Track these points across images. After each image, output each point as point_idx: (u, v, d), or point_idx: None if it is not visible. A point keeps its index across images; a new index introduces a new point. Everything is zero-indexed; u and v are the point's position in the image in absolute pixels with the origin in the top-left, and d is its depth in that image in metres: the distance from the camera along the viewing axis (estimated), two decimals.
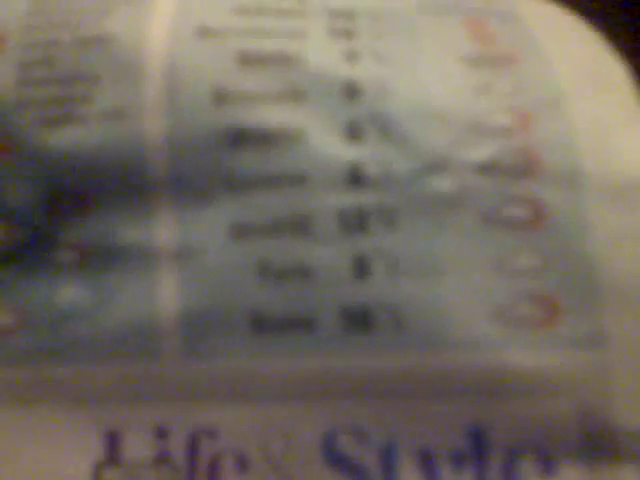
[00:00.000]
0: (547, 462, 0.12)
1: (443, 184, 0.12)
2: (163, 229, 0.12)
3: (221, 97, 0.13)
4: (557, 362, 0.12)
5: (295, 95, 0.13)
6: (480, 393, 0.12)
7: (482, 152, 0.12)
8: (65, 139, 0.13)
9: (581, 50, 0.14)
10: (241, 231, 0.12)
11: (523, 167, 0.12)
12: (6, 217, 0.13)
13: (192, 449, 0.12)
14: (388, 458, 0.12)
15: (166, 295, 0.12)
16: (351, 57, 0.13)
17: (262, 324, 0.12)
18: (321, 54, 0.13)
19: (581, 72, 0.13)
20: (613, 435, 0.12)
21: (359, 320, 0.12)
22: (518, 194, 0.12)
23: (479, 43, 0.14)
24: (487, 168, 0.12)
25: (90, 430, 0.12)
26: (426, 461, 0.12)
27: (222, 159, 0.13)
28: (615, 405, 0.12)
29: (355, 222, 0.12)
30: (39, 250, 0.13)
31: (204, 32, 0.13)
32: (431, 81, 0.13)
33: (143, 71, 0.13)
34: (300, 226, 0.12)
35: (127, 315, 0.12)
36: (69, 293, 0.12)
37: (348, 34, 0.14)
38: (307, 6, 0.14)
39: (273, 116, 0.13)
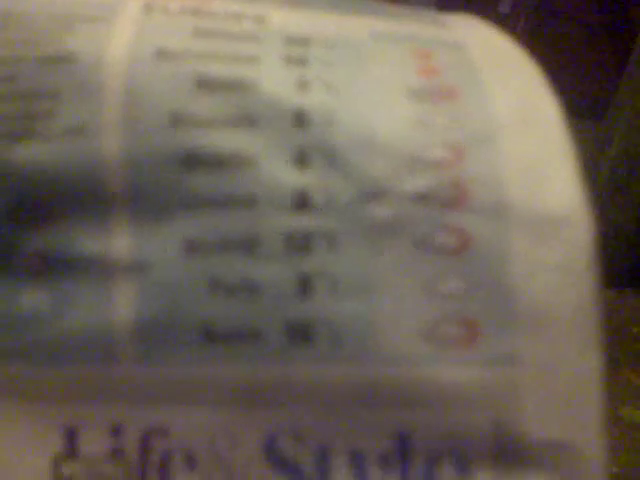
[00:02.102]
0: (464, 466, 0.13)
1: (381, 211, 0.14)
2: (120, 242, 0.14)
3: (177, 120, 0.14)
4: (474, 378, 0.13)
5: (247, 121, 0.14)
6: (405, 403, 0.13)
7: (417, 183, 0.14)
8: (27, 154, 0.14)
9: (519, 85, 0.15)
10: (193, 247, 0.14)
11: (453, 198, 0.14)
12: None
13: (144, 446, 0.13)
14: (323, 459, 0.13)
15: (121, 304, 0.13)
16: (302, 86, 0.15)
17: (212, 335, 0.13)
18: (274, 81, 0.14)
19: (516, 108, 0.15)
20: (522, 444, 0.13)
21: (301, 334, 0.13)
22: (447, 223, 0.14)
23: (424, 76, 0.15)
24: (421, 198, 0.14)
25: (49, 427, 0.13)
26: (357, 461, 0.13)
27: (177, 179, 0.14)
28: (524, 417, 0.13)
29: (300, 244, 0.14)
30: (1, 256, 0.14)
31: (162, 54, 0.14)
32: (375, 113, 0.14)
33: (102, 90, 0.14)
34: (249, 245, 0.14)
35: (85, 321, 0.13)
36: (30, 298, 0.14)
37: (301, 62, 0.15)
38: (265, 30, 0.16)
39: (226, 141, 0.14)
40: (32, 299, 0.13)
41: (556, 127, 0.15)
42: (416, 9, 0.19)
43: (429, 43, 0.16)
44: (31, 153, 0.14)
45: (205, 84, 0.14)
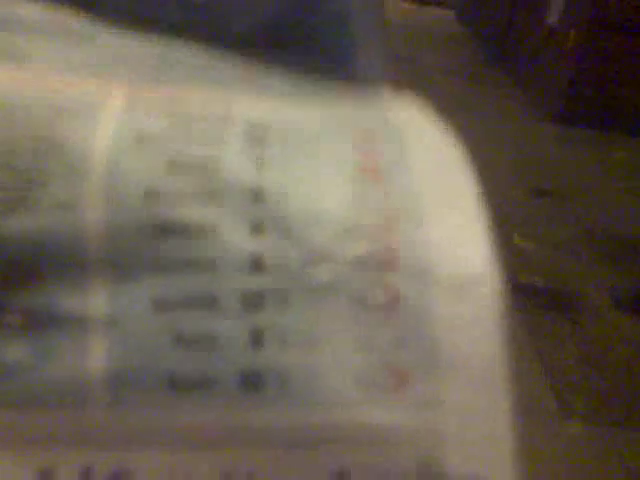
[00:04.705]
0: None
1: (323, 274, 0.17)
2: (96, 300, 0.17)
3: (151, 196, 0.17)
4: (402, 421, 0.16)
5: (212, 196, 0.17)
6: (343, 444, 0.16)
7: (355, 249, 0.17)
8: (19, 224, 0.17)
9: (442, 165, 0.19)
10: (160, 305, 0.17)
11: (385, 262, 0.17)
12: None
13: None
14: None
15: (95, 355, 0.16)
16: (260, 165, 0.18)
17: (174, 383, 0.16)
18: (236, 162, 0.18)
19: (439, 186, 0.18)
20: (445, 478, 0.16)
21: (253, 382, 0.16)
22: (380, 283, 0.17)
23: (364, 157, 0.18)
24: (358, 262, 0.17)
25: (25, 468, 0.16)
26: None
27: (148, 246, 0.17)
28: (446, 455, 0.16)
29: (254, 301, 0.17)
30: None
31: (141, 138, 0.18)
32: (322, 189, 0.18)
33: (87, 171, 0.17)
34: (209, 303, 0.17)
35: (62, 370, 0.16)
36: (14, 350, 0.16)
37: (261, 144, 0.18)
38: (231, 115, 0.19)
39: (192, 213, 0.17)
40: (16, 351, 0.16)
41: (471, 200, 0.18)
42: (365, 87, 0.23)
43: (371, 128, 0.20)
44: (22, 223, 0.17)
45: (176, 164, 0.18)
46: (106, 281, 0.17)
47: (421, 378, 0.16)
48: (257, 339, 0.17)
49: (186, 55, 0.23)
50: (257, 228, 0.17)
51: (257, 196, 0.17)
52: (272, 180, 0.18)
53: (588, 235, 2.51)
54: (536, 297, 2.00)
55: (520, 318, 1.80)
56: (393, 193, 0.18)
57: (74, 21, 0.23)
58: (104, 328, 0.16)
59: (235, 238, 0.17)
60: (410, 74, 4.66)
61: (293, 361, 0.16)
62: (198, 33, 0.23)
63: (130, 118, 0.18)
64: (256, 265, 0.17)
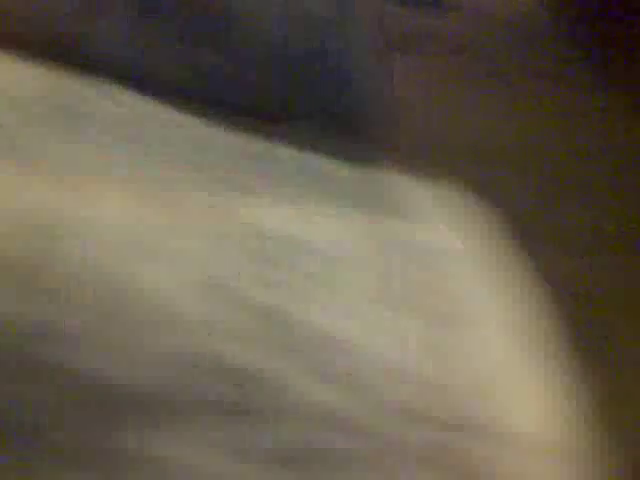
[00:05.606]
0: None
1: (417, 437, 0.16)
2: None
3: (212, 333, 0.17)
4: None
5: (279, 343, 0.17)
6: None
7: (446, 412, 0.16)
8: None
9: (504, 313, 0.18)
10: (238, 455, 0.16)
11: (481, 430, 0.16)
12: None
13: None
14: None
15: None
16: (326, 312, 0.17)
17: None
18: (302, 306, 0.17)
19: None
20: None
21: None
22: (477, 454, 0.16)
23: (433, 302, 0.18)
24: (454, 427, 0.16)
25: None
26: None
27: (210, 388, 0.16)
28: None
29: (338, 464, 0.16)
30: None
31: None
32: (395, 340, 0.17)
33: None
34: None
35: None
36: None
37: (330, 292, 0.18)
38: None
39: (256, 358, 0.17)
40: None
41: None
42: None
43: (428, 274, 0.19)
44: None
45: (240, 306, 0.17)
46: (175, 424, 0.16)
47: None
48: None
49: (191, 140, 0.23)
50: (325, 378, 0.16)
51: (325, 346, 0.17)
52: (342, 329, 0.17)
53: None
54: None
55: None
56: (468, 350, 0.17)
57: (70, 92, 0.23)
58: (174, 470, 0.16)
59: (304, 388, 0.16)
60: (483, 75, 4.45)
61: None
62: (205, 98, 0.23)
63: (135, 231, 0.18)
64: (328, 420, 0.16)
